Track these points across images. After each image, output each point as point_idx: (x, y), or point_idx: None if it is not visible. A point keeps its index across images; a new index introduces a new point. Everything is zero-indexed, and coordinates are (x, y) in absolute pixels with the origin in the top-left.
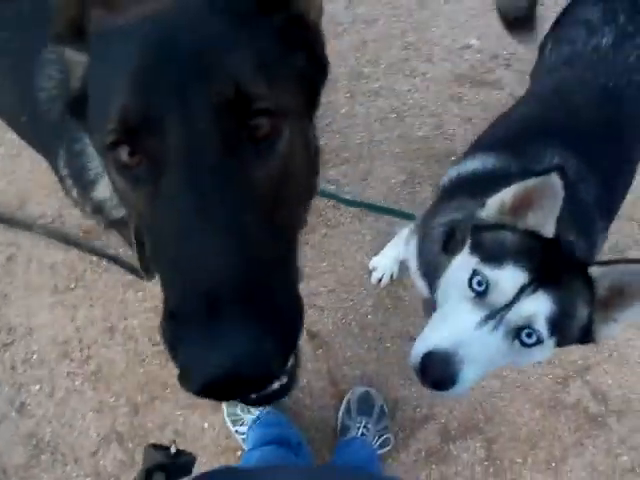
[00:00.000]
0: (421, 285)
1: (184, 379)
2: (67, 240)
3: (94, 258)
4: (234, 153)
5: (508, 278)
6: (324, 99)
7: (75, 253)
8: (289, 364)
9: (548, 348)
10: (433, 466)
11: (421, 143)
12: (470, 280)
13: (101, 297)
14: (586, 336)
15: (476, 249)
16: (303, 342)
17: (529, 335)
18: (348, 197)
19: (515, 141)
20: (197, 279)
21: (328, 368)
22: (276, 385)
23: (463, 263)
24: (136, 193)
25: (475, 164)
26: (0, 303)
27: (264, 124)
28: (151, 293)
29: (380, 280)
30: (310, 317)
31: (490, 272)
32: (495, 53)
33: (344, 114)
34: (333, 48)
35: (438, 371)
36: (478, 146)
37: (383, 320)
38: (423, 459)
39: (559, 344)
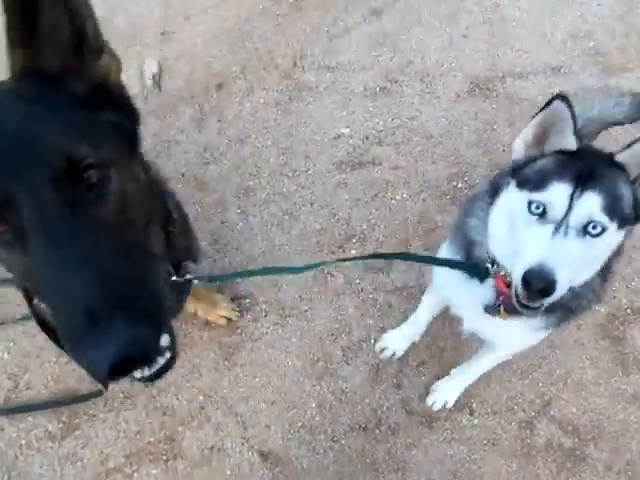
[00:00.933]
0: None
1: (94, 374)
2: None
3: (23, 441)
4: (75, 205)
5: (557, 194)
6: (218, 221)
7: (3, 441)
8: (167, 343)
9: (614, 234)
10: None
11: (320, 235)
12: (529, 208)
13: None
14: (638, 214)
15: (522, 185)
16: (257, 465)
17: (594, 227)
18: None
19: None
20: (74, 304)
21: None
22: (162, 361)
23: (517, 199)
24: (9, 254)
25: None
26: None
27: (93, 175)
28: (90, 463)
29: (392, 356)
30: (257, 437)
31: (542, 196)
32: (365, 135)
33: (240, 230)
34: (215, 172)
35: (540, 281)
36: None
37: (331, 418)
38: None
39: (620, 225)
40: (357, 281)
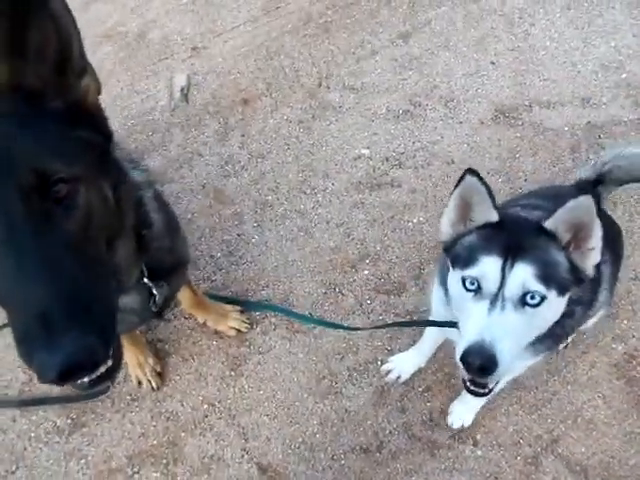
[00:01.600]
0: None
1: (41, 376)
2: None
3: (33, 434)
4: (42, 217)
5: (487, 267)
6: (234, 234)
7: (13, 433)
8: (110, 352)
9: (555, 301)
10: None
11: (334, 254)
12: (464, 285)
13: (43, 474)
14: (578, 276)
15: (455, 263)
16: (255, 478)
17: (532, 297)
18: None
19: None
20: (30, 310)
21: None
22: (103, 368)
23: (453, 277)
24: None
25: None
26: None
27: (62, 188)
28: (93, 461)
29: (398, 379)
30: (258, 449)
31: (473, 271)
32: (385, 156)
33: (255, 243)
34: (235, 185)
35: (477, 359)
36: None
37: (332, 437)
38: None
39: (561, 292)
40: (368, 302)
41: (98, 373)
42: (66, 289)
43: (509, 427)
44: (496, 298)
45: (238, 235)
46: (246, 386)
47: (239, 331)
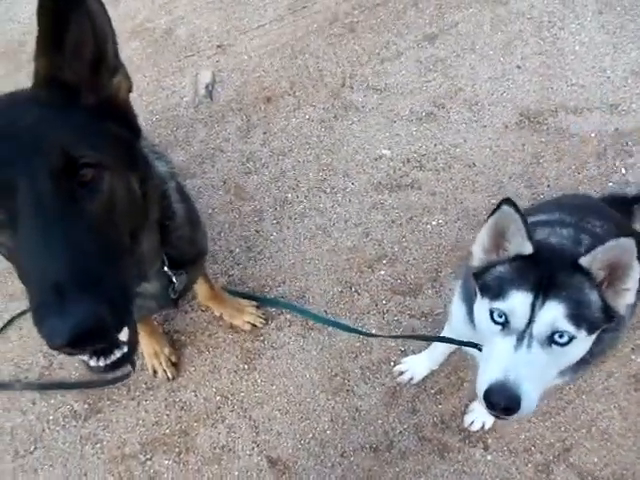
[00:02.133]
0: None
1: (50, 341)
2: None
3: (51, 417)
4: (67, 196)
5: (517, 303)
6: (253, 230)
7: (33, 414)
8: (126, 337)
9: (584, 339)
10: None
11: (351, 253)
12: (492, 318)
13: (60, 455)
14: (609, 315)
15: (484, 292)
16: (265, 471)
17: (561, 336)
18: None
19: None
20: (48, 279)
21: None
22: (118, 354)
23: (481, 306)
24: (1, 234)
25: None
26: None
27: (88, 172)
28: (108, 446)
29: (410, 380)
30: (268, 443)
31: (502, 305)
32: (406, 158)
33: (273, 240)
34: (255, 182)
35: (501, 399)
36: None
37: (342, 434)
38: None
39: (590, 331)
40: (383, 302)
41: (114, 358)
42: (83, 263)
43: (521, 433)
44: (523, 335)
45: (257, 231)
46: (259, 380)
47: (254, 326)
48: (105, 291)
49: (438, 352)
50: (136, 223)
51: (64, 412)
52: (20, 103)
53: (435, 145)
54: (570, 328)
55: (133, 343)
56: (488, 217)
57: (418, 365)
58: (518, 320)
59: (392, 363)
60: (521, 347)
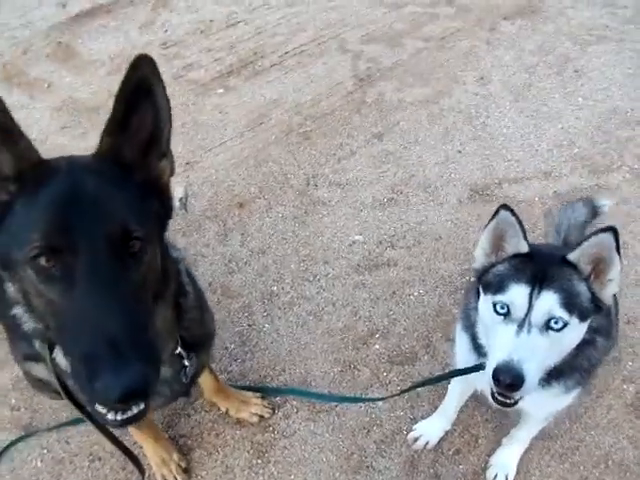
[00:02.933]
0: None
1: (105, 395)
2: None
3: None
4: (119, 263)
5: (517, 295)
6: (245, 324)
7: None
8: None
9: (577, 326)
10: None
11: (344, 333)
12: (495, 310)
13: None
14: (598, 304)
15: (487, 289)
16: None
17: (556, 322)
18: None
19: None
20: (105, 335)
21: None
22: (135, 410)
23: (484, 302)
24: (50, 286)
25: None
26: None
27: (137, 245)
28: None
29: (426, 445)
30: None
31: (503, 297)
32: (378, 240)
33: (267, 331)
34: (240, 280)
35: (507, 377)
36: None
37: None
38: None
39: (582, 318)
40: (384, 374)
41: (130, 414)
42: (134, 325)
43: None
44: (523, 322)
45: (249, 325)
46: (275, 472)
47: (262, 417)
48: (151, 351)
49: (450, 409)
50: (158, 292)
51: None
52: (82, 170)
53: (401, 225)
54: (563, 314)
55: (147, 399)
56: (488, 223)
57: (431, 428)
58: (518, 309)
59: (404, 432)
60: (522, 333)
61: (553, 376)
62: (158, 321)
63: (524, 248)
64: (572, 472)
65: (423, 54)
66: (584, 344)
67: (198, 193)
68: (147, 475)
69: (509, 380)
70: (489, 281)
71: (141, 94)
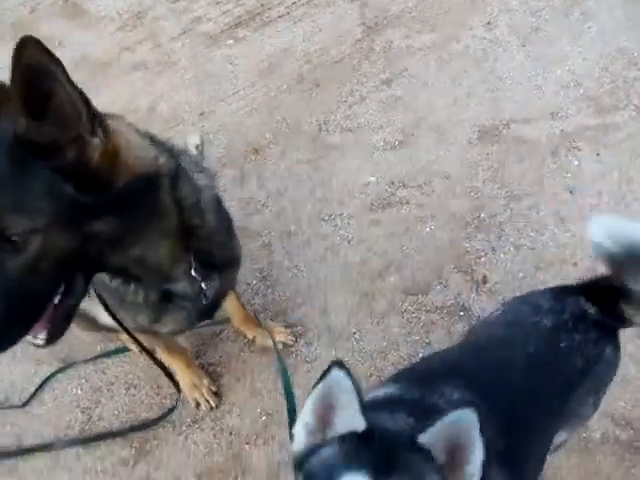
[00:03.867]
0: None
1: None
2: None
3: (99, 468)
4: None
5: None
6: (265, 262)
7: (80, 469)
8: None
9: None
10: None
11: (360, 267)
12: None
13: None
14: None
15: None
16: None
17: None
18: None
19: (425, 375)
20: None
21: None
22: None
23: None
24: None
25: (384, 390)
26: None
27: (17, 238)
28: None
29: None
30: None
31: None
32: (390, 180)
33: (286, 267)
34: (258, 220)
35: None
36: (394, 377)
37: None
38: None
39: None
40: (399, 303)
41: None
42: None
43: None
44: None
45: (269, 262)
46: (300, 394)
47: (285, 344)
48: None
49: None
50: (97, 257)
51: (112, 460)
52: None
53: (412, 166)
54: None
55: (50, 338)
56: (315, 384)
57: None
58: None
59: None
60: None
61: None
62: (147, 253)
63: (360, 424)
64: None
65: (429, 0)
66: None
67: (214, 141)
68: (180, 398)
69: None
70: (312, 471)
71: (36, 78)
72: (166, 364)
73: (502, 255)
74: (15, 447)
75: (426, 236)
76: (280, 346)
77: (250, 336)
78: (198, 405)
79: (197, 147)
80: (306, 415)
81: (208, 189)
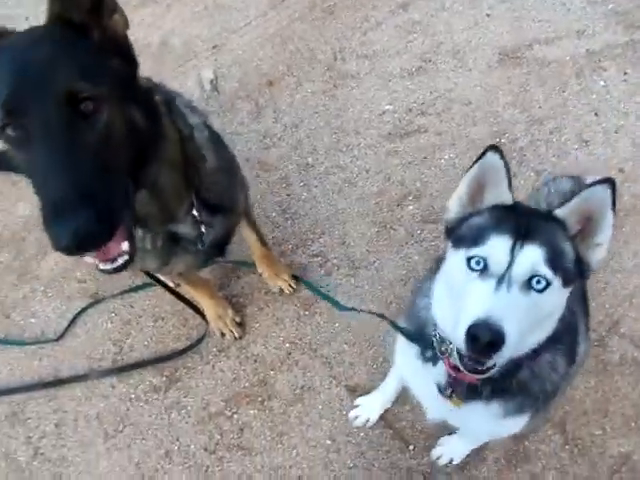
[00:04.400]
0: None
1: (56, 246)
2: (126, 367)
3: (133, 395)
4: (71, 124)
5: (497, 247)
6: (284, 194)
7: (115, 397)
8: (126, 248)
9: (558, 291)
10: (518, 469)
11: (379, 197)
12: (469, 266)
13: (149, 428)
14: (583, 269)
15: (460, 243)
16: (346, 398)
17: (538, 282)
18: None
19: None
20: (52, 193)
21: None
22: (121, 260)
23: (455, 258)
24: (17, 151)
25: None
26: (61, 469)
27: (88, 105)
28: (193, 410)
29: (367, 422)
30: (343, 374)
31: (481, 250)
32: (408, 108)
33: (305, 199)
34: (275, 153)
35: (487, 332)
36: None
37: None
38: (505, 466)
39: (566, 282)
40: (418, 232)
41: (117, 264)
42: (80, 182)
43: None
44: (503, 278)
45: (288, 195)
46: (321, 322)
47: (282, 292)
48: (97, 203)
49: (389, 390)
50: (139, 149)
51: (144, 388)
52: (35, 39)
53: (431, 93)
54: (548, 272)
55: (132, 252)
56: (471, 165)
57: (371, 407)
58: (498, 264)
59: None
60: (501, 289)
61: (497, 392)
62: (151, 176)
63: (508, 199)
64: (598, 310)
65: None
66: (542, 363)
67: (227, 75)
68: (208, 328)
69: (489, 337)
70: (463, 234)
71: None
72: (191, 297)
73: (522, 182)
74: (52, 378)
75: (444, 164)
76: (276, 290)
77: (260, 270)
78: (223, 335)
79: (211, 82)
80: (462, 189)
81: (200, 126)
